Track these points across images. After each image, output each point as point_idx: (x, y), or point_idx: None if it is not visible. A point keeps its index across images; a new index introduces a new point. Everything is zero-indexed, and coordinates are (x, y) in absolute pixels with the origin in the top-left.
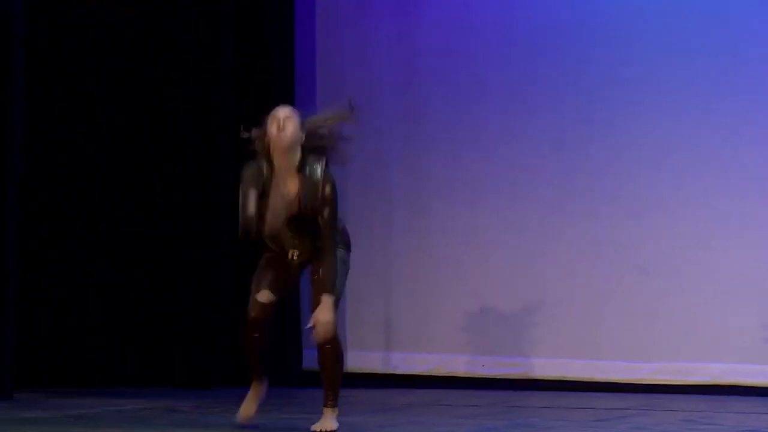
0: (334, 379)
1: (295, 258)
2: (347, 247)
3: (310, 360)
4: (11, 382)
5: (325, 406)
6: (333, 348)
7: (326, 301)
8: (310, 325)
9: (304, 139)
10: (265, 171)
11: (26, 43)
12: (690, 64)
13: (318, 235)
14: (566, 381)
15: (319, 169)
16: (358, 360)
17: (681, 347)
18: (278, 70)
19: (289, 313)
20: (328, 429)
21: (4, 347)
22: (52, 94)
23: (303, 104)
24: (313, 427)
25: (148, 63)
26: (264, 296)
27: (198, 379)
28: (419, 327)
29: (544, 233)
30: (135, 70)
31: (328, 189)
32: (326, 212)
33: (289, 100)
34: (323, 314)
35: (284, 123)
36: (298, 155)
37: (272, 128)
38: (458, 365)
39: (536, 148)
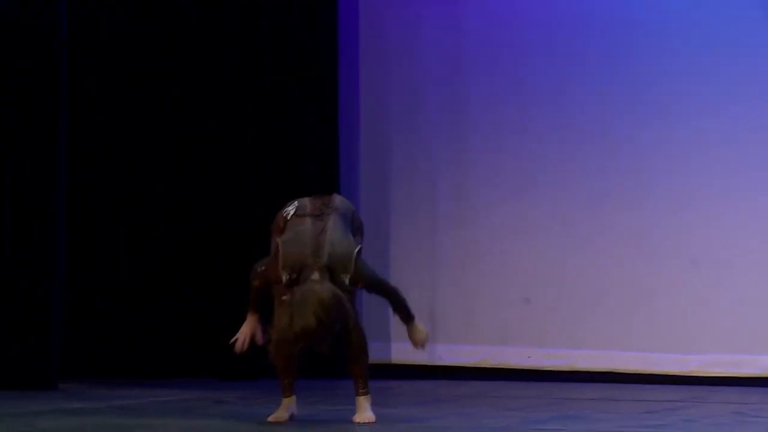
0: (363, 368)
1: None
2: (362, 234)
3: None
4: (56, 373)
5: (359, 395)
6: (360, 339)
7: (417, 323)
8: (415, 347)
9: None
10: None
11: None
12: (734, 57)
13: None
14: (614, 373)
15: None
16: (403, 352)
17: (731, 339)
18: (322, 65)
19: None
20: (370, 420)
21: (49, 339)
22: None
23: (346, 99)
24: (355, 419)
25: (190, 64)
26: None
27: (243, 372)
28: (465, 318)
29: (591, 224)
30: (176, 71)
31: (359, 264)
32: (372, 282)
33: (333, 94)
34: (421, 334)
35: None
36: None
37: None
38: (504, 357)
39: (581, 140)
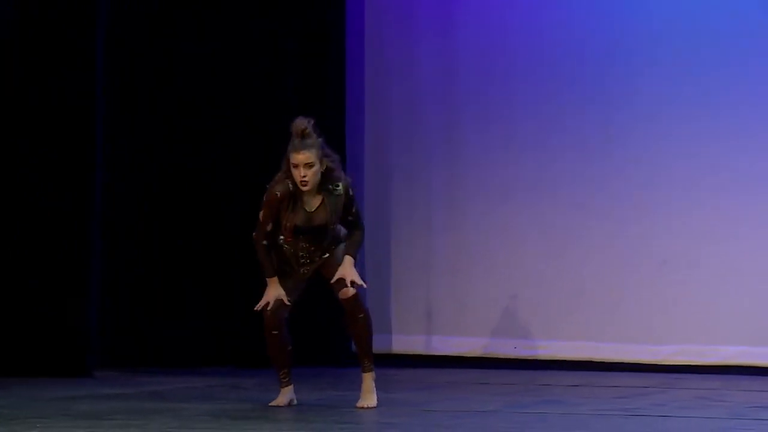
0: (368, 346)
1: (305, 268)
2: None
3: None
4: (93, 362)
5: (364, 371)
6: (365, 318)
7: (349, 260)
8: (335, 280)
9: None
10: (290, 190)
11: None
12: (701, 75)
13: (328, 240)
14: (592, 362)
15: (340, 186)
16: (402, 343)
17: (696, 331)
18: (331, 90)
19: (335, 304)
20: (371, 405)
21: (84, 329)
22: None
23: (353, 113)
24: (358, 405)
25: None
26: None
27: (260, 360)
28: (457, 313)
29: (570, 229)
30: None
31: (351, 192)
32: (353, 209)
33: (340, 117)
34: (348, 270)
35: (304, 171)
36: (318, 180)
37: (295, 173)
38: (492, 347)
39: (562, 153)
